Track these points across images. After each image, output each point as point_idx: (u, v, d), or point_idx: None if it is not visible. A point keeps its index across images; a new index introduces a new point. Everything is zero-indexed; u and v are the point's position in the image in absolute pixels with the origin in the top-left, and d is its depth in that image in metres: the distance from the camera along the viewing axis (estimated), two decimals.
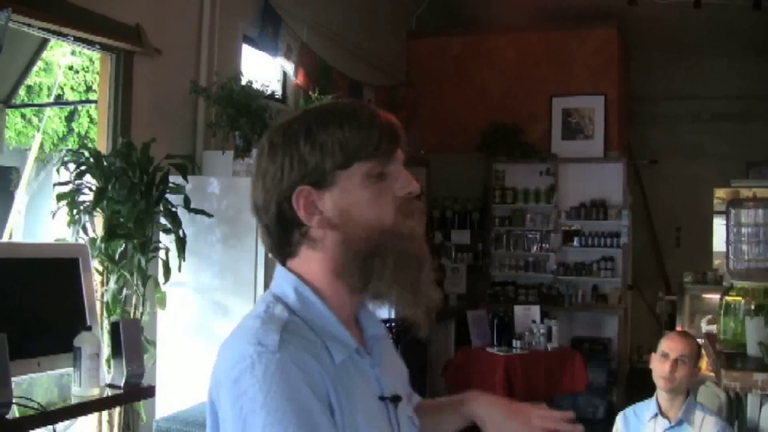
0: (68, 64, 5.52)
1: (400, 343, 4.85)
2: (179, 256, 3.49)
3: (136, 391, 2.72)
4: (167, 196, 3.51)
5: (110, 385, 2.66)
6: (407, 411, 1.26)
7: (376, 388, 1.18)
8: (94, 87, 5.34)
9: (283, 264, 1.21)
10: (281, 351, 1.04)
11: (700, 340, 3.37)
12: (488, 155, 7.87)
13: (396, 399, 1.21)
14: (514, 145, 7.76)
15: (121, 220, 3.32)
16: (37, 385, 2.61)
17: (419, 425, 1.29)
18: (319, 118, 1.17)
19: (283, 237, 1.19)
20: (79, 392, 2.51)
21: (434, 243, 7.78)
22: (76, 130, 5.67)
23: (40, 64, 5.23)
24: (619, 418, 3.29)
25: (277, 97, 5.32)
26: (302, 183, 1.14)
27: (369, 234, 1.14)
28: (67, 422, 2.87)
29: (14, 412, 2.26)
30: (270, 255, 1.24)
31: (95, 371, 2.52)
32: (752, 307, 3.30)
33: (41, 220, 4.99)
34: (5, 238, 4.58)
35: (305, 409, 1.02)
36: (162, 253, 3.51)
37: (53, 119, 5.66)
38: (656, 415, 3.08)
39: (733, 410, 3.34)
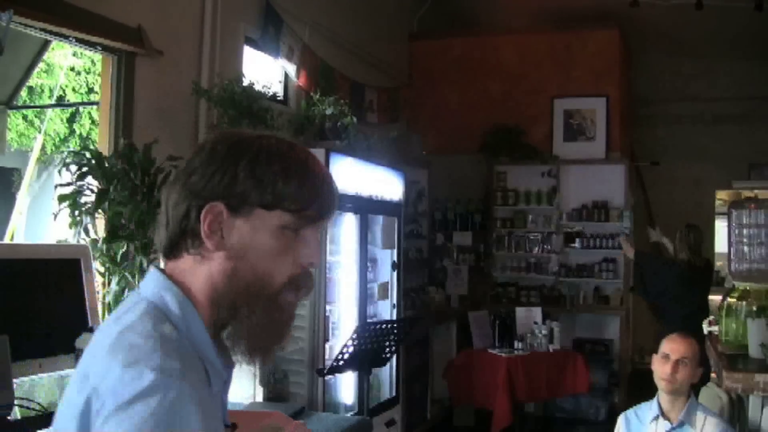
0: (70, 65, 5.53)
1: (402, 344, 4.86)
2: None
3: None
4: None
5: None
6: None
7: (222, 415, 1.16)
8: (96, 88, 5.34)
9: (166, 257, 1.17)
10: (181, 382, 0.98)
11: None
12: (490, 157, 7.88)
13: (234, 426, 1.23)
14: (516, 146, 7.77)
15: (123, 221, 3.32)
16: (38, 386, 2.61)
17: None
18: (270, 151, 1.14)
19: (176, 237, 1.15)
20: None
21: (436, 244, 7.78)
22: (78, 131, 5.67)
23: (41, 65, 5.24)
24: (621, 420, 3.29)
25: (278, 98, 5.33)
26: (220, 199, 1.11)
27: (254, 280, 1.12)
28: None
29: (16, 413, 2.26)
30: (155, 246, 1.21)
31: None
32: (754, 308, 3.30)
33: (43, 222, 5.00)
34: (7, 239, 4.59)
35: None
36: None
37: (55, 121, 5.66)
38: (657, 416, 3.08)
39: (735, 412, 3.33)
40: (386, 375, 5.43)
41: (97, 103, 4.62)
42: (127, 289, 3.42)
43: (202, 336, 1.10)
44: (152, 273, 1.15)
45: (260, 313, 1.12)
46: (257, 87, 4.41)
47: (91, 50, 3.95)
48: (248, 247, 1.12)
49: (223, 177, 1.11)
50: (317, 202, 1.15)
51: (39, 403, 2.33)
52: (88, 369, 1.03)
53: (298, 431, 1.44)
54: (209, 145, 1.16)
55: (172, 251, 1.15)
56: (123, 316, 1.08)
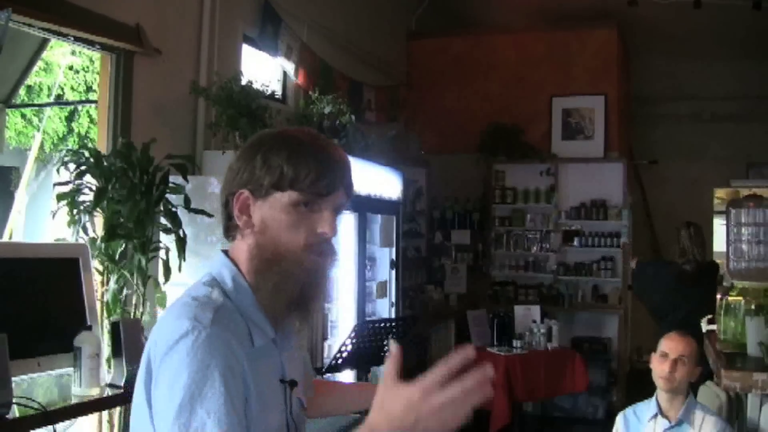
0: (68, 64, 5.51)
1: (400, 342, 4.85)
2: (179, 256, 3.49)
3: None
4: (167, 196, 3.50)
5: (110, 385, 2.67)
6: (299, 394, 1.48)
7: (280, 372, 1.41)
8: (95, 87, 5.33)
9: (228, 240, 1.45)
10: (212, 327, 1.25)
11: None
12: (488, 155, 7.87)
13: (293, 383, 1.43)
14: (515, 145, 7.77)
15: (121, 220, 3.32)
16: (37, 385, 2.61)
17: (306, 405, 1.54)
18: (282, 141, 1.38)
19: (225, 222, 1.43)
20: (79, 392, 2.51)
21: (434, 243, 7.78)
22: (76, 130, 5.66)
23: (40, 64, 5.22)
24: (619, 418, 3.29)
25: (277, 97, 5.32)
26: (245, 187, 1.37)
27: (275, 249, 1.36)
28: (67, 422, 2.87)
29: (14, 411, 2.26)
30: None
31: (95, 371, 2.53)
32: (752, 307, 3.31)
33: (41, 220, 4.99)
34: (5, 238, 4.58)
35: (220, 375, 1.22)
36: (162, 253, 3.51)
37: (53, 119, 5.65)
38: (656, 415, 3.08)
39: (734, 410, 3.33)
40: None
41: (95, 102, 4.61)
42: (125, 288, 3.42)
43: (248, 301, 1.36)
44: (218, 253, 1.44)
45: (278, 275, 1.35)
46: (256, 86, 4.40)
47: (89, 49, 3.95)
48: (268, 223, 1.37)
49: (245, 170, 1.38)
50: (323, 179, 1.35)
51: (38, 402, 2.33)
52: (152, 332, 1.33)
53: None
54: (242, 148, 1.44)
55: (228, 235, 1.44)
56: (188, 288, 1.38)
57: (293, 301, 1.37)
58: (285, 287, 1.36)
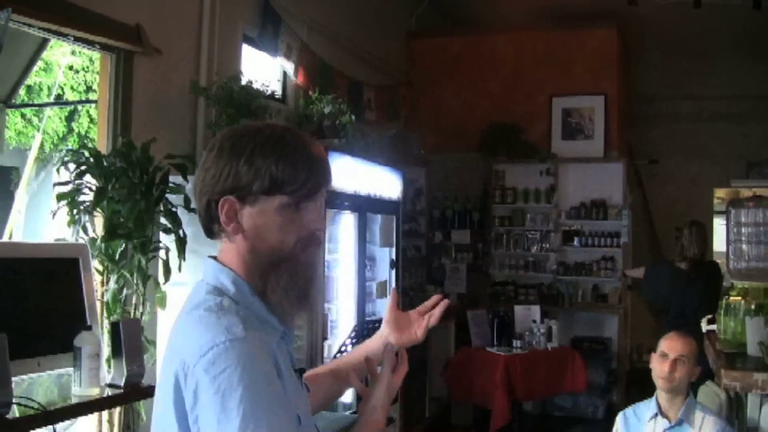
0: (68, 63, 5.51)
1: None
2: (179, 256, 3.49)
3: (136, 391, 2.72)
4: (167, 195, 3.51)
5: (110, 385, 2.66)
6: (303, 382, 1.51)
7: (291, 362, 1.42)
8: (94, 87, 5.33)
9: (209, 238, 1.44)
10: (245, 336, 1.25)
11: None
12: (488, 155, 7.88)
13: (302, 371, 1.48)
14: (514, 144, 7.77)
15: (121, 219, 3.32)
16: (37, 384, 2.61)
17: (311, 390, 1.56)
18: (265, 142, 1.35)
19: (207, 225, 1.41)
20: (79, 392, 2.51)
21: (434, 242, 7.78)
22: (76, 130, 5.66)
23: (40, 63, 5.22)
24: (619, 418, 3.29)
25: (277, 96, 5.32)
26: (231, 193, 1.35)
27: (270, 251, 1.37)
28: (67, 422, 2.87)
29: (14, 411, 2.26)
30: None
31: (95, 371, 2.53)
32: (752, 306, 3.31)
33: (41, 220, 4.99)
34: (5, 238, 4.58)
35: (270, 379, 1.25)
36: (162, 253, 3.51)
37: (53, 119, 5.65)
38: (656, 414, 3.08)
39: (734, 410, 3.34)
40: None
41: (95, 102, 4.61)
42: (125, 288, 3.42)
43: (253, 301, 1.37)
44: (207, 261, 1.42)
45: (285, 275, 1.37)
46: (255, 85, 4.40)
47: (89, 49, 3.95)
48: (259, 227, 1.36)
49: (230, 173, 1.34)
50: (311, 179, 1.37)
51: (38, 402, 2.33)
52: (172, 349, 1.31)
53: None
54: (218, 143, 1.39)
55: (210, 235, 1.42)
56: (191, 301, 1.37)
57: (301, 295, 1.40)
58: (294, 285, 1.38)
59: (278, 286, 1.37)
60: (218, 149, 1.37)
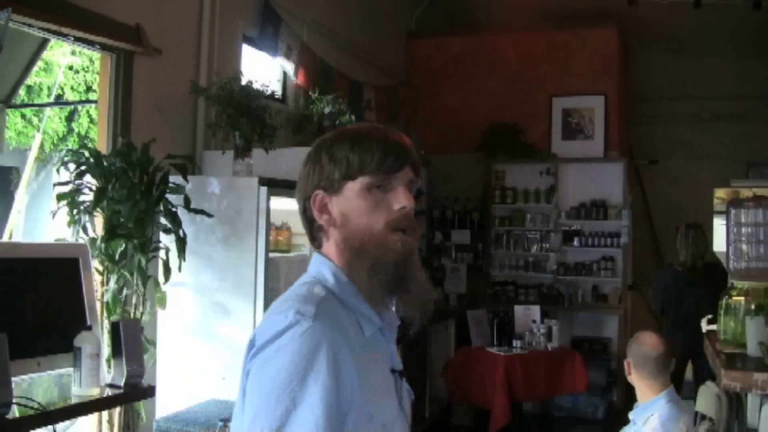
0: (68, 64, 5.51)
1: (400, 342, 4.85)
2: (179, 256, 3.49)
3: (136, 391, 2.72)
4: (167, 196, 3.50)
5: (110, 385, 2.66)
6: (405, 384, 1.49)
7: (389, 362, 1.42)
8: (94, 87, 5.33)
9: (316, 248, 1.47)
10: (315, 319, 1.27)
11: None
12: (488, 155, 7.88)
13: (402, 373, 1.45)
14: (515, 145, 7.77)
15: (121, 220, 3.32)
16: (37, 384, 2.61)
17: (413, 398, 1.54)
18: (341, 136, 1.43)
19: (308, 228, 1.46)
20: (79, 392, 2.51)
21: (434, 243, 7.78)
22: (76, 130, 5.66)
23: (40, 64, 5.22)
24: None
25: (277, 97, 5.32)
26: (318, 188, 1.41)
27: (360, 237, 1.38)
28: (67, 422, 2.87)
29: (14, 411, 2.26)
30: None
31: (95, 371, 2.53)
32: (752, 306, 3.30)
33: (41, 220, 4.99)
34: (5, 238, 4.58)
35: (319, 365, 1.24)
36: (162, 253, 3.51)
37: (53, 119, 5.65)
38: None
39: (733, 410, 3.33)
40: None
41: (95, 102, 4.61)
42: (125, 288, 3.42)
43: (351, 292, 1.38)
44: (314, 254, 1.46)
45: (377, 260, 1.37)
46: (256, 85, 4.40)
47: (89, 49, 3.95)
48: (348, 214, 1.40)
49: (315, 170, 1.42)
50: (388, 158, 1.38)
51: (37, 402, 2.33)
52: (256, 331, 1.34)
53: None
54: (310, 152, 1.47)
55: (314, 240, 1.46)
56: (290, 289, 1.41)
57: (389, 283, 1.38)
58: (378, 271, 1.37)
59: (361, 274, 1.38)
60: (308, 155, 1.46)
